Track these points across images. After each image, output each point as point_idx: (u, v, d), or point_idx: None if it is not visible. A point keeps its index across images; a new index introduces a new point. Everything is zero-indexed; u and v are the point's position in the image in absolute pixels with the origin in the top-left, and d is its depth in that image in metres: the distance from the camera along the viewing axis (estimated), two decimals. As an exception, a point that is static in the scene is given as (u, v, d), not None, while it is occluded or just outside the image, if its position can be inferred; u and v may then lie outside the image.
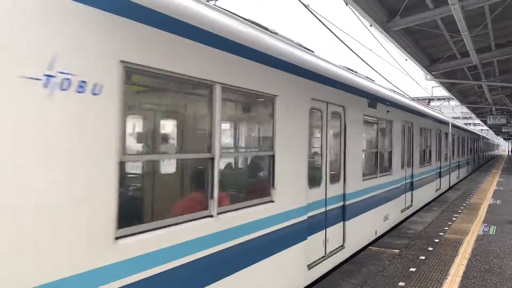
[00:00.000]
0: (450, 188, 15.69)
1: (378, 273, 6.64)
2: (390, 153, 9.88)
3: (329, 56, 8.00)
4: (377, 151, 9.02)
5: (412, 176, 12.00)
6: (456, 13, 9.66)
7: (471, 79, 19.33)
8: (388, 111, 9.49)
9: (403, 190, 11.11)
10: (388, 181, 9.64)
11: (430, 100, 39.46)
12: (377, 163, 9.02)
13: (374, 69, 14.84)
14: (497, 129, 56.48)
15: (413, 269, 6.82)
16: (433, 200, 15.36)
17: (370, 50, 14.82)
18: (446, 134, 17.41)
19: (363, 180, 7.94)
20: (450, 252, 7.95)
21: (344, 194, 7.12)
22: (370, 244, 8.50)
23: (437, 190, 16.39)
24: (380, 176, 9.06)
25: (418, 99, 22.78)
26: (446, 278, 6.41)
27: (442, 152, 16.60)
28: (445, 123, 17.76)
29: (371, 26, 11.08)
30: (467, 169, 23.68)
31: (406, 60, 15.22)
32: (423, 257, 7.53)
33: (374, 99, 8.65)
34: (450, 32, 12.43)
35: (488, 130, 59.74)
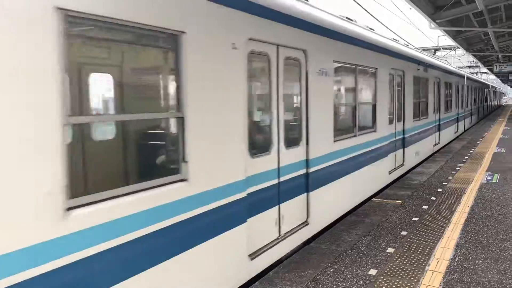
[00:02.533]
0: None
1: (381, 223, 6.77)
2: (374, 106, 8.75)
3: (329, 5, 7.17)
4: (356, 105, 7.78)
5: (403, 132, 10.83)
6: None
7: (477, 26, 18.83)
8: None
9: (392, 148, 9.96)
10: (370, 140, 8.52)
11: (436, 50, 38.70)
12: (356, 120, 7.77)
13: (377, 19, 14.49)
14: (503, 77, 55.64)
15: (415, 219, 6.93)
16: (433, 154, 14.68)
17: (373, -1, 14.41)
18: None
19: (334, 141, 6.79)
20: (453, 201, 8.04)
21: (307, 160, 6.00)
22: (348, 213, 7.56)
23: (435, 144, 15.26)
24: (359, 135, 7.88)
25: (423, 49, 22.26)
26: (448, 226, 6.52)
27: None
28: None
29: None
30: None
31: (410, 9, 14.81)
32: (425, 207, 7.63)
33: (351, 42, 7.34)
34: (455, -24, 11.98)
35: (488, 75, 58.72)
